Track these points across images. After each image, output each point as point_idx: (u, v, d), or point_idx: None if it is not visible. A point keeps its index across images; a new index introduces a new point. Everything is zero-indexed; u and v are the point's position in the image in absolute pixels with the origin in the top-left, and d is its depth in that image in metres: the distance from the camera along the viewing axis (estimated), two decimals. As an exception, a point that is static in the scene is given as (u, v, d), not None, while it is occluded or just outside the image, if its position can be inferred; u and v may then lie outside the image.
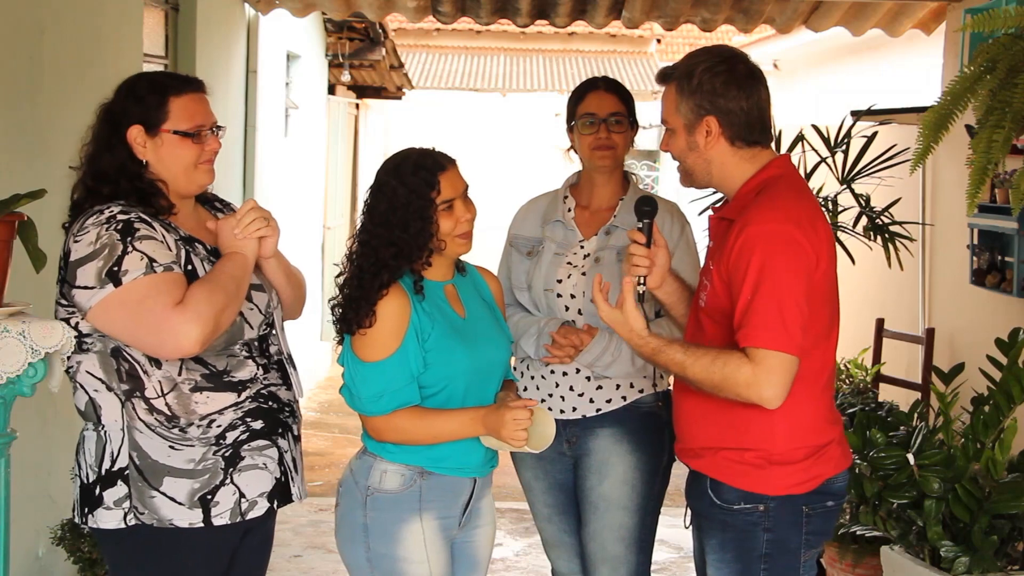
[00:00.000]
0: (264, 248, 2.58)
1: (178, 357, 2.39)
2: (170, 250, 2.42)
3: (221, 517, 2.46)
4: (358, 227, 2.67)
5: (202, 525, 2.44)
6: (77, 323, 2.42)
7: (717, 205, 2.67)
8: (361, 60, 10.11)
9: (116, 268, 2.34)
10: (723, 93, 2.51)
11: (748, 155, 2.55)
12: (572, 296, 3.17)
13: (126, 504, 2.42)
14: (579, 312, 3.16)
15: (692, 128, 2.54)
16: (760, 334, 2.38)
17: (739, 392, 2.41)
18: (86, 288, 2.36)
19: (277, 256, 2.65)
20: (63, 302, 2.43)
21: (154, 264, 2.36)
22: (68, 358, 2.46)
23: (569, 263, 3.20)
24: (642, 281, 2.64)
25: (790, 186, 2.53)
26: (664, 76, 2.61)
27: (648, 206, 2.66)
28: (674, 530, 5.22)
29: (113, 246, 2.36)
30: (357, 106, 12.15)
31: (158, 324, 2.32)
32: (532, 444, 2.60)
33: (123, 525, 2.43)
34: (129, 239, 2.37)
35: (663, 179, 16.68)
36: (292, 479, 2.58)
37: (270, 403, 2.54)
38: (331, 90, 10.34)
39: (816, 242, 2.44)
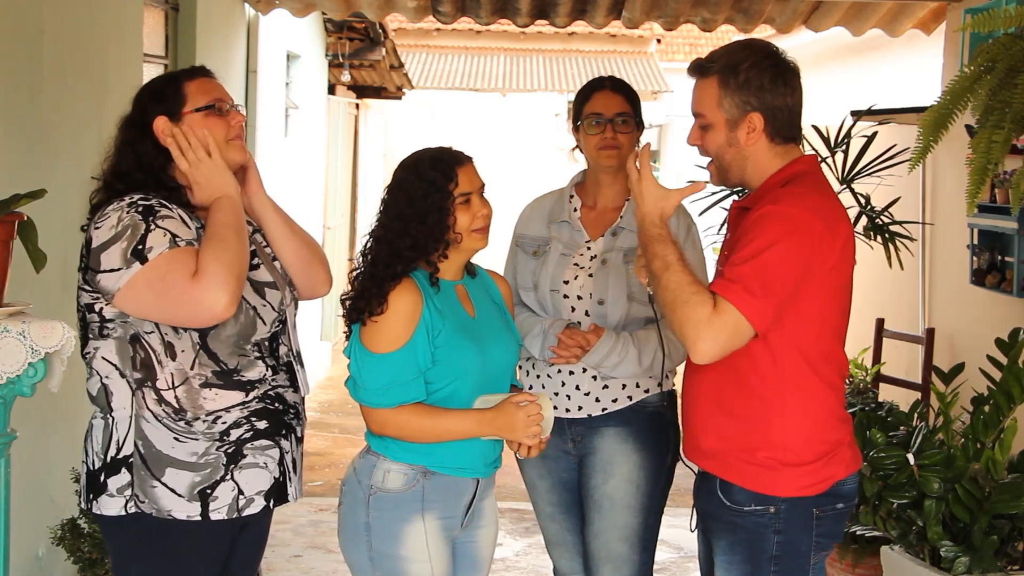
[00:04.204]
0: (247, 183, 2.62)
1: (216, 322, 2.40)
2: (190, 229, 2.44)
3: (219, 512, 2.47)
4: (372, 225, 2.67)
5: (199, 518, 2.46)
6: (102, 308, 2.43)
7: (729, 200, 2.66)
8: (361, 60, 10.11)
9: (141, 246, 2.36)
10: (771, 89, 2.47)
11: (782, 151, 2.53)
12: (579, 297, 3.17)
13: (128, 492, 2.45)
14: (586, 313, 3.16)
15: (735, 124, 2.50)
16: (736, 290, 2.36)
17: (683, 324, 2.37)
18: (112, 271, 2.38)
19: (272, 204, 2.66)
20: (87, 288, 2.45)
21: (176, 239, 2.39)
22: (87, 343, 2.48)
23: (576, 264, 3.20)
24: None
25: (817, 182, 2.52)
26: (702, 69, 2.53)
27: None
28: (674, 530, 5.21)
29: (136, 226, 2.38)
30: (357, 106, 12.15)
31: (183, 298, 2.35)
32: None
33: (124, 512, 2.45)
34: (151, 218, 2.40)
35: (663, 179, 16.68)
36: (290, 480, 2.60)
37: (276, 404, 2.55)
38: (331, 90, 10.34)
39: (832, 239, 2.43)
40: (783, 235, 2.37)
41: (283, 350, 2.59)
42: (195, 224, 2.48)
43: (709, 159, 2.60)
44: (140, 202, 2.43)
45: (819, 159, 2.71)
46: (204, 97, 2.55)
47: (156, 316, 2.41)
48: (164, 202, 2.45)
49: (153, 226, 2.39)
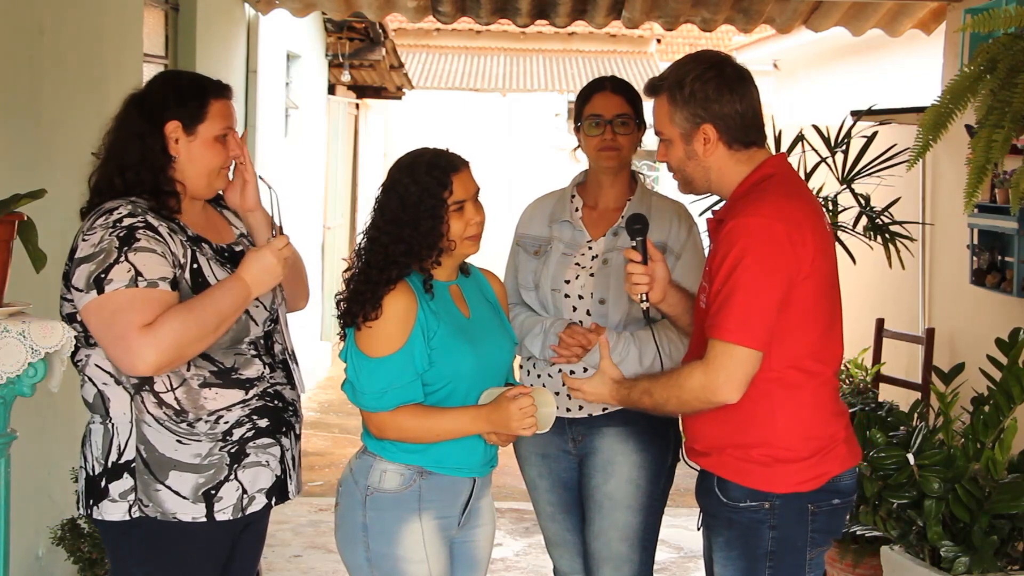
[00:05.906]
0: (246, 198, 2.64)
1: (132, 375, 2.40)
2: (167, 260, 2.41)
3: (224, 512, 2.48)
4: (368, 223, 2.67)
5: (205, 520, 2.46)
6: (83, 319, 2.42)
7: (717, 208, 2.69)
8: (361, 60, 10.11)
9: (103, 276, 2.35)
10: (716, 99, 2.51)
11: (745, 157, 2.57)
12: (580, 297, 3.17)
13: (131, 496, 2.44)
14: (587, 313, 3.16)
15: (689, 137, 2.55)
16: (721, 325, 2.42)
17: (698, 396, 2.47)
18: (78, 289, 2.39)
19: (266, 218, 2.67)
20: (68, 297, 2.45)
21: (139, 279, 2.35)
22: (78, 351, 2.47)
23: (577, 264, 3.20)
24: (645, 297, 2.68)
25: (781, 184, 2.54)
26: (653, 88, 2.61)
27: (639, 224, 2.70)
28: (674, 530, 5.22)
29: (108, 253, 2.37)
30: (357, 106, 12.14)
31: (121, 340, 2.33)
32: (539, 425, 2.64)
33: (127, 517, 2.45)
34: (125, 248, 2.37)
35: (663, 179, 16.67)
36: (290, 477, 2.61)
37: (275, 402, 2.56)
38: (331, 90, 10.34)
39: (801, 239, 2.45)
40: (747, 248, 2.41)
41: (278, 348, 2.60)
42: (180, 237, 2.46)
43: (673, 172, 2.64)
44: (125, 222, 2.40)
45: (787, 157, 2.72)
46: (221, 122, 2.54)
47: (98, 342, 2.41)
48: (150, 221, 2.42)
49: (122, 258, 2.36)
